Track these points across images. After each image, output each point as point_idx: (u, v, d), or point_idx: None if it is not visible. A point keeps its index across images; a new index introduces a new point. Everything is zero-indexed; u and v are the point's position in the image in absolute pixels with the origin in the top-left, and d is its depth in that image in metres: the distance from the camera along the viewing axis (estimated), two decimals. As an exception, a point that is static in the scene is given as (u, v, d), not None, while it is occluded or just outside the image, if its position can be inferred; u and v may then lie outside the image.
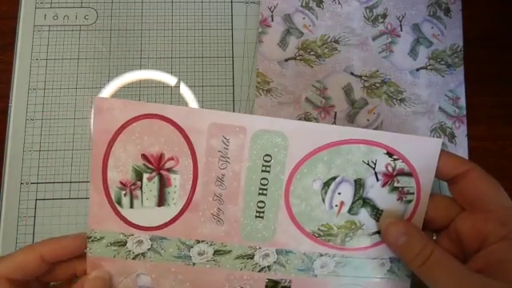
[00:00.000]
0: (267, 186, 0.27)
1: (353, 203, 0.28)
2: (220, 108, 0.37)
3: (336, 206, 0.28)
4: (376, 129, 0.37)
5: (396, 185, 0.28)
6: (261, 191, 0.27)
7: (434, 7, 0.39)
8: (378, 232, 0.28)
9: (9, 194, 0.35)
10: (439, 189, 0.36)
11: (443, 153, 0.29)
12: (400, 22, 0.39)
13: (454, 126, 0.37)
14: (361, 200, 0.28)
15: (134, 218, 0.27)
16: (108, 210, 0.27)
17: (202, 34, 0.39)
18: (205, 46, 0.38)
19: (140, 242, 0.27)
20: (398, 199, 0.28)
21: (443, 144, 0.37)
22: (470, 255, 0.27)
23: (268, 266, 0.28)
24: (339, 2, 0.39)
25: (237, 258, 0.28)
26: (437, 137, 0.37)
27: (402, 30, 0.39)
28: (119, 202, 0.27)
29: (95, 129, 0.25)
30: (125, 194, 0.27)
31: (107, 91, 0.37)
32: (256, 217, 0.27)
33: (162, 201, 0.27)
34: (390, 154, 0.27)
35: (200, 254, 0.28)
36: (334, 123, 0.37)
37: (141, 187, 0.27)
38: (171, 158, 0.26)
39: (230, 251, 0.28)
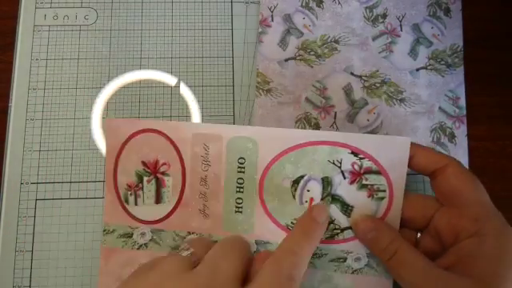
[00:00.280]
0: (243, 184, 0.31)
1: (322, 199, 0.31)
2: (220, 108, 0.37)
3: (306, 201, 0.31)
4: (376, 129, 0.37)
5: (364, 182, 0.30)
6: (238, 189, 0.31)
7: (434, 7, 0.39)
8: (351, 228, 0.31)
9: (9, 193, 0.35)
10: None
11: (422, 148, 0.30)
12: (400, 21, 0.39)
13: (454, 126, 0.37)
14: (329, 196, 0.31)
15: (138, 214, 0.32)
16: (118, 207, 0.32)
17: (202, 34, 0.39)
18: (205, 46, 0.38)
19: (143, 234, 0.32)
20: (368, 196, 0.30)
21: (443, 144, 0.37)
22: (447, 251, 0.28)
23: None
24: (339, 2, 0.39)
25: None
26: (437, 137, 0.37)
27: (402, 30, 0.39)
28: (126, 201, 0.32)
29: (107, 143, 0.32)
30: (130, 194, 0.32)
31: (107, 91, 0.37)
32: (235, 212, 0.31)
33: (159, 199, 0.32)
34: (355, 154, 0.30)
35: None
36: (334, 123, 0.37)
37: (142, 188, 0.32)
38: (164, 164, 0.32)
39: (215, 241, 0.30)
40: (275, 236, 0.31)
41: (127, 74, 0.38)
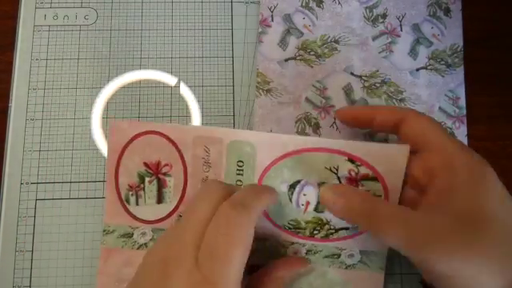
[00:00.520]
0: (242, 186, 0.31)
1: (318, 203, 0.31)
2: (220, 108, 0.37)
3: (302, 205, 0.31)
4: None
5: (360, 188, 0.30)
6: None
7: (434, 7, 0.39)
8: (346, 228, 0.31)
9: (9, 193, 0.35)
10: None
11: (380, 107, 0.32)
12: (400, 21, 0.39)
13: (453, 126, 0.37)
14: None
15: (139, 214, 0.32)
16: (119, 207, 0.32)
17: (202, 34, 0.39)
18: (205, 46, 0.38)
19: (144, 234, 0.32)
20: None
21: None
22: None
23: None
24: (339, 2, 0.39)
25: None
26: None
27: (402, 30, 0.39)
28: (127, 201, 0.32)
29: (109, 144, 0.32)
30: (132, 194, 0.32)
31: (107, 91, 0.37)
32: None
33: (160, 199, 0.32)
34: (352, 161, 0.30)
35: None
36: (334, 123, 0.37)
37: (144, 188, 0.32)
38: (166, 165, 0.32)
39: None
40: (272, 234, 0.32)
41: (127, 73, 0.38)
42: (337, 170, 0.30)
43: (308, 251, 0.32)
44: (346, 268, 0.32)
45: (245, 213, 0.24)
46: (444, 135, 0.28)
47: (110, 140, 0.32)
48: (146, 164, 0.32)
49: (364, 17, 0.39)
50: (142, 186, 0.32)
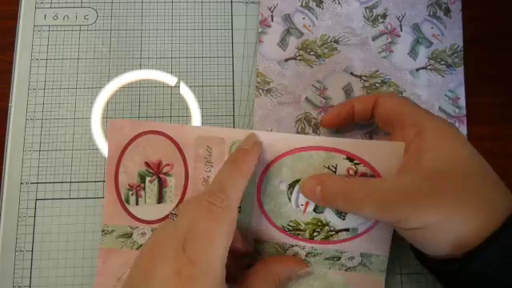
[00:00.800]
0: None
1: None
2: (220, 108, 0.37)
3: (302, 205, 0.31)
4: (376, 129, 0.37)
5: None
6: None
7: (434, 7, 0.39)
8: (346, 229, 0.31)
9: (9, 193, 0.35)
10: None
11: (357, 98, 0.33)
12: (400, 21, 0.39)
13: (453, 126, 0.37)
14: None
15: (139, 214, 0.32)
16: (119, 207, 0.32)
17: (202, 34, 0.39)
18: (205, 46, 0.38)
19: (143, 234, 0.32)
20: None
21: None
22: None
23: None
24: (339, 2, 0.39)
25: None
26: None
27: (401, 30, 0.39)
28: (127, 201, 0.32)
29: (110, 143, 0.32)
30: (132, 194, 0.32)
31: (107, 91, 0.37)
32: None
33: (160, 198, 0.32)
34: (350, 159, 0.30)
35: None
36: (334, 123, 0.37)
37: (144, 188, 0.32)
38: (167, 164, 0.32)
39: None
40: (271, 236, 0.32)
41: (127, 73, 0.38)
42: (335, 168, 0.30)
43: (308, 254, 0.32)
44: (347, 270, 0.32)
45: (223, 194, 0.26)
46: (415, 109, 0.29)
47: (110, 140, 0.32)
48: (146, 163, 0.32)
49: (364, 17, 0.39)
50: (142, 185, 0.32)
